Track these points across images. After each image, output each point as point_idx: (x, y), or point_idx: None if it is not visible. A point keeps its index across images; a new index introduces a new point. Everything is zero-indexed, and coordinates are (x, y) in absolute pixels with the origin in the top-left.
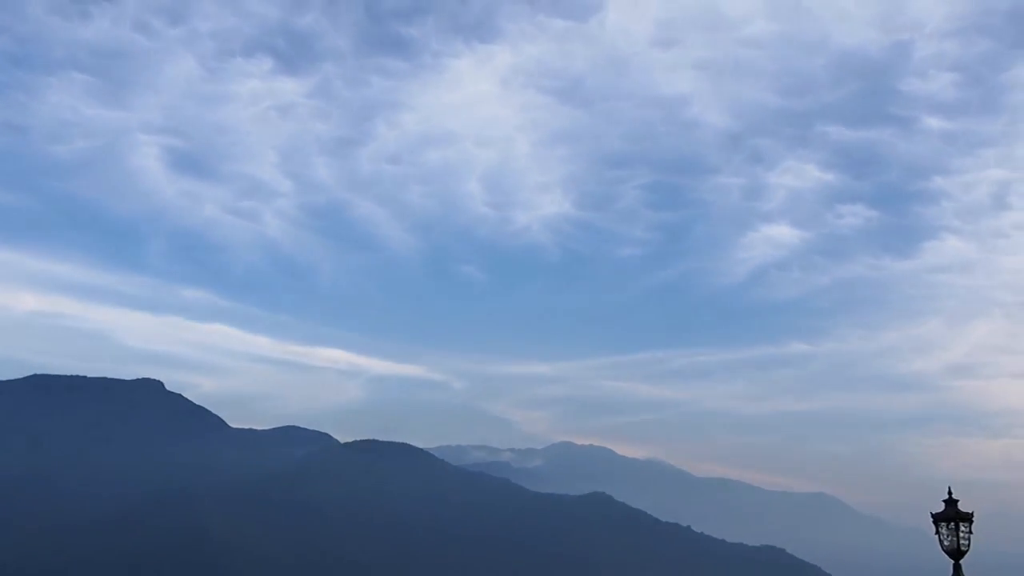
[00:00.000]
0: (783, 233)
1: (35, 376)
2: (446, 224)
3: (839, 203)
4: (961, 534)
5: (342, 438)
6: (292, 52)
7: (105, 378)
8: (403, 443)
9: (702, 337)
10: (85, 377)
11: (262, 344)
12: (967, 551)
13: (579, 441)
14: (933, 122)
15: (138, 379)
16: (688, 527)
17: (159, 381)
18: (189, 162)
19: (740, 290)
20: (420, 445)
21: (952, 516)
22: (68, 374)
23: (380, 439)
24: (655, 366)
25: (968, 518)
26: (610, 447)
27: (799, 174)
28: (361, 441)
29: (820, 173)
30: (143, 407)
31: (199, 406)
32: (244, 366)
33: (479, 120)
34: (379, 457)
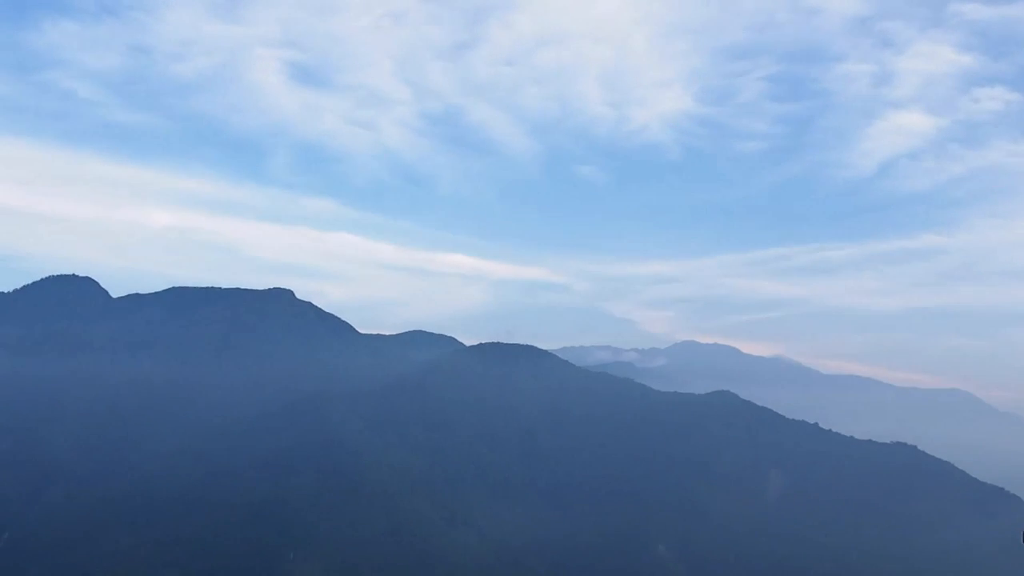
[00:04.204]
0: (915, 121)
1: (173, 289)
2: (563, 125)
3: (976, 87)
4: None
5: (467, 341)
6: None
7: (238, 288)
8: (527, 345)
9: (828, 232)
10: (219, 288)
11: (385, 251)
12: None
13: (703, 340)
14: None
15: (269, 289)
16: (816, 424)
17: (289, 290)
18: (307, 74)
19: (868, 182)
20: (544, 347)
21: None
22: (203, 286)
23: (504, 342)
24: (780, 262)
25: None
26: (734, 345)
27: (932, 57)
28: (486, 344)
29: (955, 55)
30: (275, 316)
31: (329, 313)
32: (369, 273)
33: (594, 17)
34: (504, 359)
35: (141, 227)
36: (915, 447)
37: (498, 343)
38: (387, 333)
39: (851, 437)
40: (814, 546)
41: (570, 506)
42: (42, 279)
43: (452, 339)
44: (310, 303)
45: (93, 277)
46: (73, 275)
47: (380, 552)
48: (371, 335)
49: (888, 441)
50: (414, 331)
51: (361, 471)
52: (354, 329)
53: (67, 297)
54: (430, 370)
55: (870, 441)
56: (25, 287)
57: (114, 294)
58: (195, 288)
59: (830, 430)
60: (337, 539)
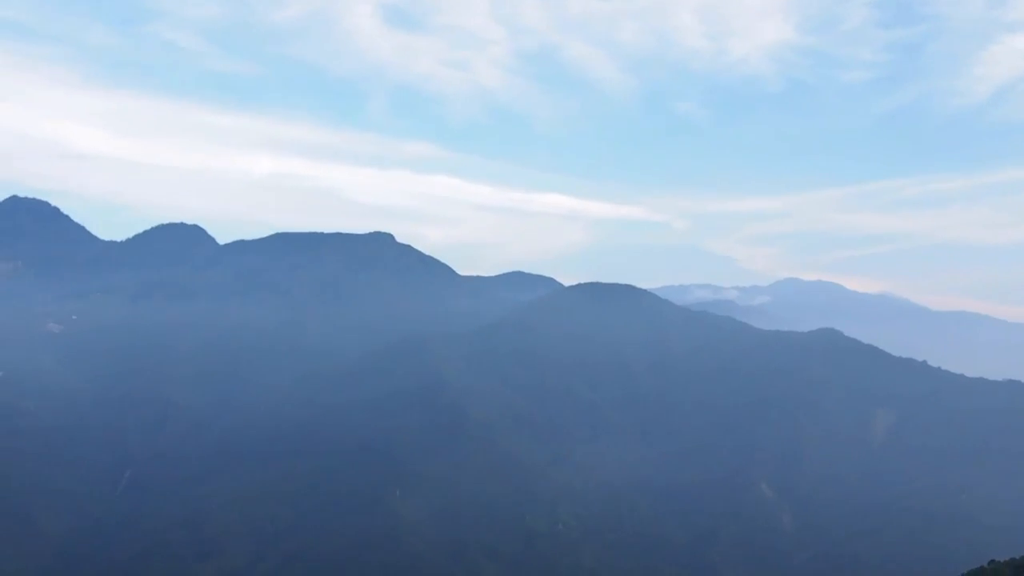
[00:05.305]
0: None
1: (277, 235)
2: (661, 60)
3: None
4: None
5: (566, 281)
6: None
7: (340, 233)
8: (626, 284)
9: (939, 162)
10: (322, 233)
11: (483, 192)
12: None
13: (806, 276)
14: None
15: (370, 233)
16: (924, 362)
17: (390, 234)
18: (401, 17)
19: (982, 110)
20: (643, 286)
21: None
22: (306, 231)
23: (603, 281)
24: (887, 195)
25: None
26: (839, 282)
27: None
28: (585, 284)
29: None
30: (377, 259)
31: (429, 256)
32: (468, 215)
33: None
34: (603, 299)
35: (245, 174)
36: None
37: (597, 283)
38: (486, 275)
39: (961, 375)
40: (922, 487)
41: (671, 445)
42: (153, 228)
43: (551, 279)
44: (410, 246)
45: (201, 225)
46: (182, 223)
47: (483, 490)
48: (470, 277)
49: (1000, 379)
50: (513, 272)
51: (463, 411)
52: (454, 271)
53: (177, 245)
54: (529, 311)
55: (981, 379)
56: (137, 236)
57: (221, 241)
58: (298, 233)
59: (939, 368)
60: (441, 477)
